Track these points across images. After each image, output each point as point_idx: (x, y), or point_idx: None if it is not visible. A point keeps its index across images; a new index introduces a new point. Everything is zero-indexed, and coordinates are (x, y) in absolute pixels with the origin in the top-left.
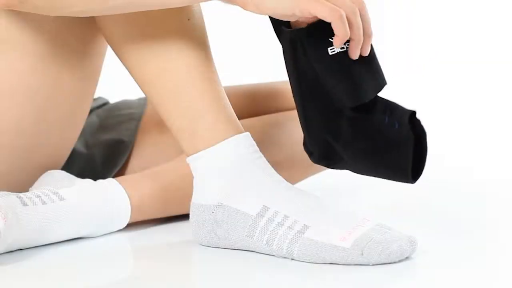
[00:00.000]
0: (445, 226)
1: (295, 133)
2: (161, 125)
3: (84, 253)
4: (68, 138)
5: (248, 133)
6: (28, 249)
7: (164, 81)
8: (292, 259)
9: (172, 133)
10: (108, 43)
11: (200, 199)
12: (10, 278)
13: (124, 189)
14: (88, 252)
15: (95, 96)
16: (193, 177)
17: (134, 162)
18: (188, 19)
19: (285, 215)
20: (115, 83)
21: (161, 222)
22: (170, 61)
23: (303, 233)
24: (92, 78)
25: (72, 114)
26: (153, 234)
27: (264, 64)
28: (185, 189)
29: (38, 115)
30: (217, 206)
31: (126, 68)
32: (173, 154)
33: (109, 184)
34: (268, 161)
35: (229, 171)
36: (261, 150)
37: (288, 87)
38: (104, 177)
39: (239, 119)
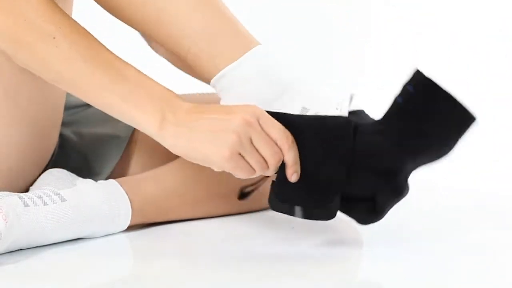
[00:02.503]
0: (442, 226)
1: None
2: None
3: (84, 253)
4: (53, 115)
5: (263, 45)
6: (28, 249)
7: (172, 9)
8: None
9: (188, 63)
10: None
11: None
12: (10, 278)
13: (126, 192)
14: (88, 252)
15: None
16: (220, 99)
17: (134, 160)
18: None
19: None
20: None
21: (161, 222)
22: None
23: None
24: None
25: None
26: (153, 234)
27: None
28: (185, 195)
29: (17, 94)
30: None
31: (125, 17)
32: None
33: (110, 187)
34: None
35: (257, 80)
36: None
37: None
38: (99, 171)
39: None
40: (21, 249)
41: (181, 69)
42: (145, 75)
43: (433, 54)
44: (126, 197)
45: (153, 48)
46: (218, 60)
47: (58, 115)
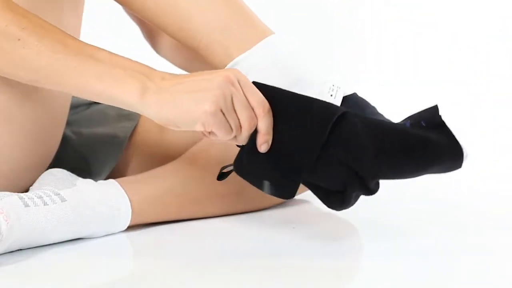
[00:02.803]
0: (442, 226)
1: None
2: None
3: (84, 253)
4: (57, 119)
5: (277, 35)
6: (28, 249)
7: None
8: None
9: (199, 53)
10: None
11: None
12: (10, 278)
13: (126, 192)
14: (88, 252)
15: None
16: None
17: (133, 160)
18: None
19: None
20: None
21: (161, 222)
22: None
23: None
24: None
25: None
26: (153, 234)
27: None
28: (185, 195)
29: (22, 98)
30: None
31: (138, 7)
32: (172, 152)
33: (111, 187)
34: None
35: (269, 70)
36: None
37: None
38: (98, 172)
39: None
40: (21, 249)
41: (185, 69)
42: (118, 55)
43: (434, 53)
44: (126, 197)
45: (156, 49)
46: (231, 49)
47: (62, 118)
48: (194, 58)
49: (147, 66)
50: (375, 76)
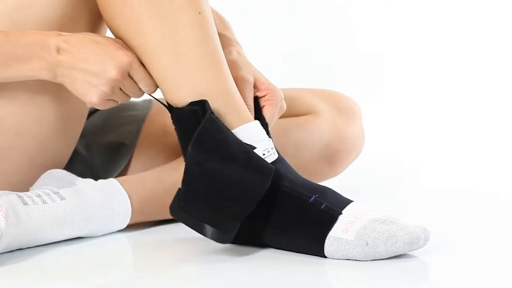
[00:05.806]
0: (440, 226)
1: (315, 135)
2: (164, 127)
3: (84, 253)
4: (70, 138)
5: (257, 121)
6: (28, 249)
7: (176, 71)
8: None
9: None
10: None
11: None
12: (10, 278)
13: (125, 190)
14: (88, 252)
15: None
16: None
17: (136, 163)
18: (199, 13)
19: None
20: None
21: (161, 222)
22: (180, 53)
23: None
24: None
25: (73, 113)
26: (153, 234)
27: (274, 71)
28: None
29: (38, 115)
30: None
31: None
32: (175, 155)
33: (110, 185)
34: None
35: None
36: (287, 152)
37: (302, 94)
38: (105, 178)
39: None
40: (21, 249)
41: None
42: (12, 32)
43: (432, 54)
44: (126, 195)
45: None
46: None
47: (74, 139)
48: None
49: (41, 34)
50: (374, 76)
